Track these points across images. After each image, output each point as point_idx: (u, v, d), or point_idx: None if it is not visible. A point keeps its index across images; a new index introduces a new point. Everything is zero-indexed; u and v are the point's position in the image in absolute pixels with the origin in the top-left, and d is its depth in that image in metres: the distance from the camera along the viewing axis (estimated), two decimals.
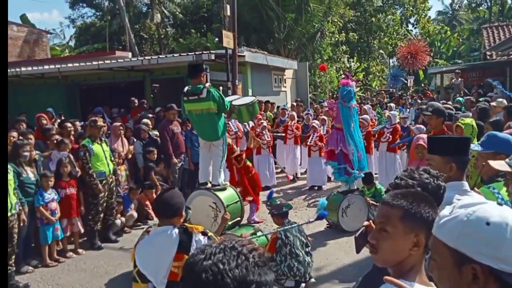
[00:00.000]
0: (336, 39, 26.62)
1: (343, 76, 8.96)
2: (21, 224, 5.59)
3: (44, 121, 8.71)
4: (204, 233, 3.06)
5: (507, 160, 2.40)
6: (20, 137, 6.75)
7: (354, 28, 31.88)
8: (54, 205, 6.21)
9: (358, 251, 2.36)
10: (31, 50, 21.89)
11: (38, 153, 6.74)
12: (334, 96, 23.03)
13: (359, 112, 8.33)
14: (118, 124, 8.29)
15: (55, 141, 7.08)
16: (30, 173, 6.02)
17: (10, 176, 5.42)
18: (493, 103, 7.57)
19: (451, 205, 1.27)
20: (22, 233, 5.79)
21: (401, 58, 21.23)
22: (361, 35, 32.62)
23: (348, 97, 6.85)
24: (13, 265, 5.46)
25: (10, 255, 5.34)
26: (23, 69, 13.96)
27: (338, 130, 7.00)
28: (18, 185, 5.72)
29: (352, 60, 30.07)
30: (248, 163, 7.53)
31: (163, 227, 3.04)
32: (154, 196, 7.88)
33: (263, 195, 9.38)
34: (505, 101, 7.41)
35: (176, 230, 2.97)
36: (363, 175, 7.19)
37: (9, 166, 5.45)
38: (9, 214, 5.25)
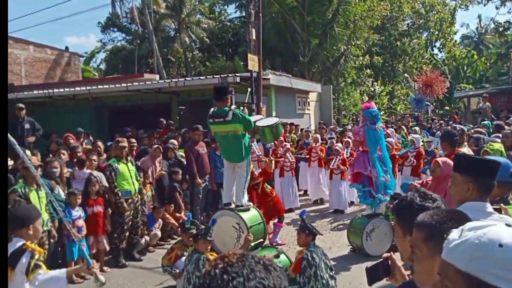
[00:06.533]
0: (360, 62, 26.69)
1: (366, 99, 9.02)
2: (52, 240, 5.66)
3: (71, 141, 8.96)
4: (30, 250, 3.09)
5: None
6: (50, 155, 6.96)
7: (378, 51, 31.91)
8: (81, 222, 6.28)
9: (370, 283, 2.15)
10: (63, 72, 22.74)
11: (69, 171, 6.90)
12: (358, 119, 22.96)
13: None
14: (156, 146, 8.45)
15: (76, 160, 7.25)
16: (60, 190, 6.18)
17: (43, 193, 5.54)
18: None
19: (459, 228, 1.22)
20: (50, 250, 5.88)
21: (418, 89, 21.58)
22: (385, 59, 32.60)
23: (376, 119, 6.89)
24: None
25: None
26: (55, 90, 14.48)
27: (364, 152, 6.96)
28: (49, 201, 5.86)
29: (376, 83, 30.01)
30: (268, 187, 7.51)
31: (15, 239, 3.12)
32: (175, 214, 7.97)
33: (288, 217, 9.36)
34: None
35: (20, 244, 3.04)
36: (388, 199, 7.11)
37: (42, 182, 5.60)
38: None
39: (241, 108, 6.85)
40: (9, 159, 6.63)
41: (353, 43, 25.18)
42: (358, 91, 27.42)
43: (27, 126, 9.24)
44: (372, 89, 29.13)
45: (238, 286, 1.03)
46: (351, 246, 7.20)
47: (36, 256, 3.05)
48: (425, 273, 1.55)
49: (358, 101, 25.57)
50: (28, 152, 7.05)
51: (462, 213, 1.61)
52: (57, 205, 5.00)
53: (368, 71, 28.75)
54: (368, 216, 7.00)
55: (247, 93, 7.33)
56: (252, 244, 5.50)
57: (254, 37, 12.82)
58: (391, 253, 2.14)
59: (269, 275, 1.07)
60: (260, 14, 13.30)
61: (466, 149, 5.92)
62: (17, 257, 2.99)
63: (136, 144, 8.91)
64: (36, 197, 5.57)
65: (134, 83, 13.95)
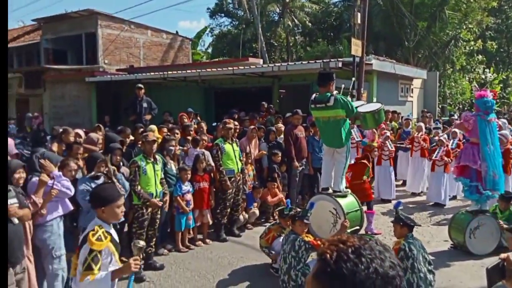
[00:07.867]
0: (472, 47, 24.79)
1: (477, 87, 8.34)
2: (165, 209, 6.16)
3: (185, 119, 9.64)
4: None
5: None
6: (168, 133, 7.58)
7: (493, 36, 29.39)
8: (189, 196, 6.78)
9: (490, 285, 2.02)
10: (175, 55, 24.30)
11: (180, 148, 7.47)
12: (465, 109, 21.49)
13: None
14: (252, 127, 8.79)
15: (191, 139, 7.80)
16: (172, 166, 6.75)
17: (158, 167, 6.06)
18: None
19: None
20: (162, 219, 6.40)
21: None
22: (500, 44, 29.93)
23: (490, 110, 6.43)
24: (153, 246, 6.10)
25: (152, 238, 5.99)
26: (169, 72, 15.65)
27: (473, 145, 6.57)
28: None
29: (488, 70, 27.69)
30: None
31: (95, 220, 3.05)
32: (277, 191, 8.16)
33: (384, 208, 9.25)
34: None
35: (90, 229, 2.95)
36: (496, 196, 6.69)
37: (158, 157, 6.15)
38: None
39: (348, 93, 6.83)
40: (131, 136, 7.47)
41: (465, 27, 23.45)
42: (467, 78, 25.59)
43: (145, 105, 10.15)
44: (483, 76, 26.98)
45: (378, 268, 1.04)
46: (451, 242, 6.91)
47: (93, 254, 2.87)
48: None
49: (466, 90, 23.92)
50: (154, 126, 7.84)
51: None
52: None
53: (480, 57, 26.63)
54: (473, 213, 6.64)
55: (352, 81, 7.25)
56: (348, 230, 5.48)
57: (359, 21, 12.56)
58: (508, 254, 2.03)
59: (391, 254, 1.08)
60: None
61: None
62: (82, 244, 2.95)
63: (239, 126, 9.29)
64: (152, 170, 5.92)
65: (240, 67, 14.49)
